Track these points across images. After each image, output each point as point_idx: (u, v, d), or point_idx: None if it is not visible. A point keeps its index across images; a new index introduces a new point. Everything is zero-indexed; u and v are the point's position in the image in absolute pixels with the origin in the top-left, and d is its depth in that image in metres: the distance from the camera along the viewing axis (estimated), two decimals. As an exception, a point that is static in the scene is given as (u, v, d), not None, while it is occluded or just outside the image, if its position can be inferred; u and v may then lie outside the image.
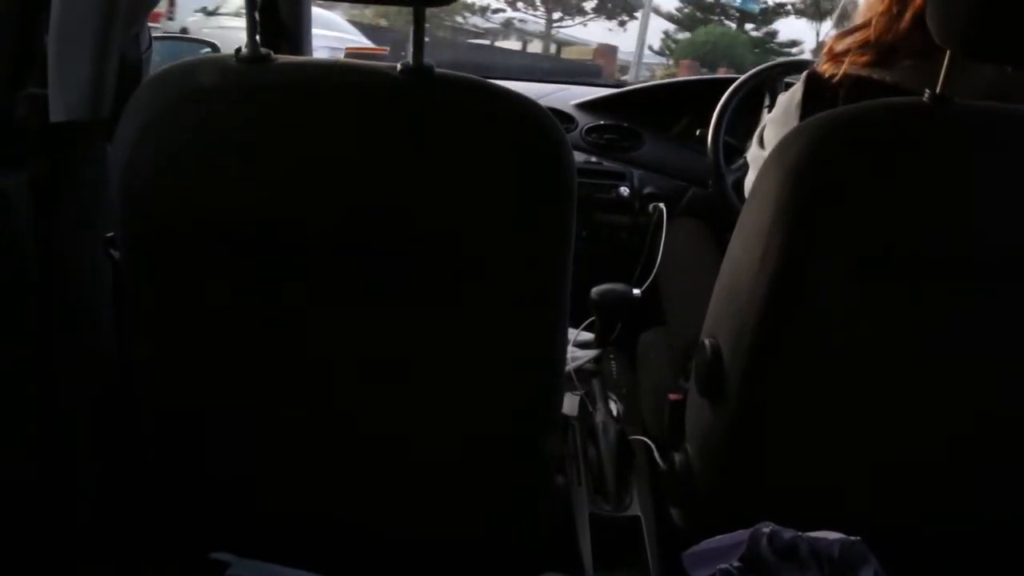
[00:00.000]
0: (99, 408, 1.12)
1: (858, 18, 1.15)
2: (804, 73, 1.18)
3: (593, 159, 2.12)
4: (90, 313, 1.09)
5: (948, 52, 0.91)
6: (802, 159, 0.96)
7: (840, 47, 1.14)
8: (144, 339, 1.02)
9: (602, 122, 2.18)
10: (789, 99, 1.20)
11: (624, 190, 2.05)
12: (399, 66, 0.91)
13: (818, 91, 1.13)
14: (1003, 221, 0.94)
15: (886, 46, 1.09)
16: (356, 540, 1.12)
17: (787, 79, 1.87)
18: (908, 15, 1.06)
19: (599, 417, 1.48)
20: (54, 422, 1.07)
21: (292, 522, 1.11)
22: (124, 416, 1.11)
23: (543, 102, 0.94)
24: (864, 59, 1.11)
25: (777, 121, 1.22)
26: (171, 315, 0.99)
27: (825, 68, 1.14)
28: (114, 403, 1.12)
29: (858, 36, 1.12)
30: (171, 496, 1.12)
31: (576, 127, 2.17)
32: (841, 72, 1.11)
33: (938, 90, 0.92)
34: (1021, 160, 0.93)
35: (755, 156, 1.31)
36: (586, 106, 2.25)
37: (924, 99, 0.94)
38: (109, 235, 0.99)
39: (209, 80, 0.90)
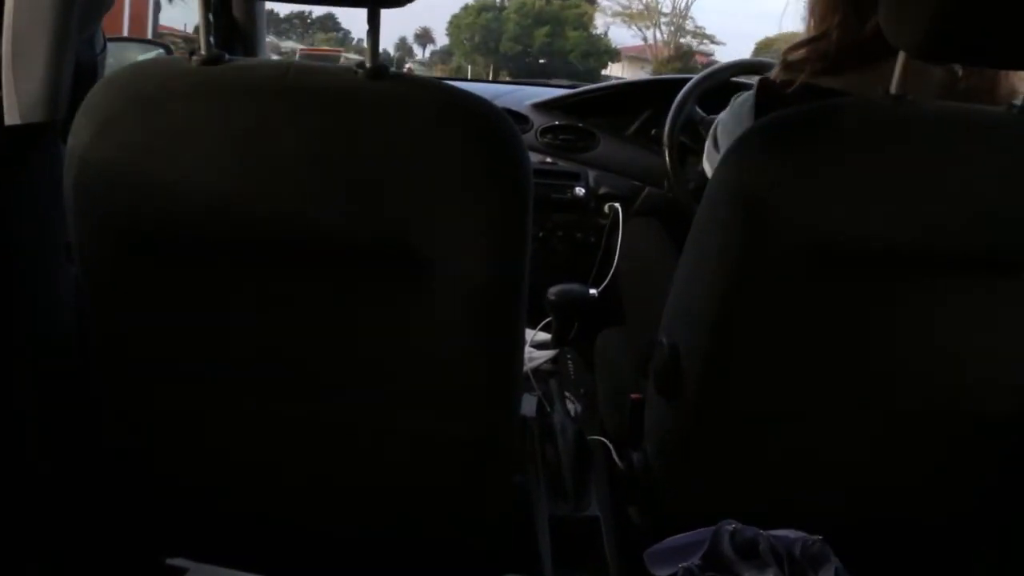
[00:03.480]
0: (57, 410, 1.10)
1: (811, 30, 1.16)
2: (757, 79, 1.19)
3: (548, 160, 2.12)
4: (48, 314, 1.08)
5: (901, 53, 0.93)
6: (755, 159, 0.98)
7: (795, 58, 1.15)
8: (101, 339, 1.01)
9: (557, 123, 2.19)
10: (742, 103, 1.21)
11: (579, 190, 2.05)
12: (355, 67, 0.91)
13: (771, 97, 1.15)
14: (952, 218, 0.96)
15: (843, 55, 1.11)
16: (312, 542, 1.11)
17: (743, 80, 1.89)
18: (871, 24, 1.05)
19: (557, 417, 1.49)
20: (10, 424, 1.05)
21: (248, 525, 1.10)
22: (81, 419, 1.09)
23: (497, 102, 0.94)
24: (818, 66, 1.12)
25: (729, 123, 1.24)
26: (127, 315, 0.98)
27: (777, 75, 1.16)
28: (71, 405, 1.10)
29: (815, 47, 1.13)
30: (127, 500, 1.10)
31: (531, 127, 2.17)
32: (794, 80, 1.12)
33: (892, 90, 0.94)
34: (970, 158, 0.95)
35: (710, 156, 1.33)
36: (541, 107, 2.25)
37: (877, 98, 0.96)
38: (68, 240, 0.97)
39: (163, 81, 0.89)
